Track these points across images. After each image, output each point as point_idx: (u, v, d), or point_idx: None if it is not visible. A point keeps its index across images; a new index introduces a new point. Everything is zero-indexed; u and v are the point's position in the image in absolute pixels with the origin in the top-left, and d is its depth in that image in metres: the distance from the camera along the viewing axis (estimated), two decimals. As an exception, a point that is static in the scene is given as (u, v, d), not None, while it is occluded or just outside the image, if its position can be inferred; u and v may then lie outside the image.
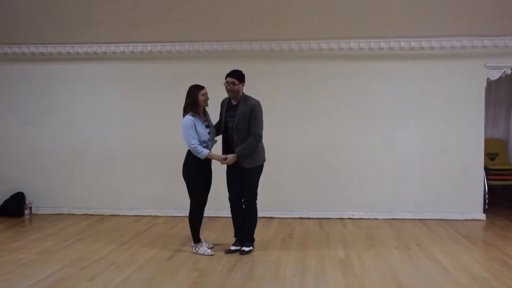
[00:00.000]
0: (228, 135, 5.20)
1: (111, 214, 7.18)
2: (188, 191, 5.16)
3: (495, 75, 6.67)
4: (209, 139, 5.12)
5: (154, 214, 7.09)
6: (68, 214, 7.25)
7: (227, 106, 5.22)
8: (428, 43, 6.60)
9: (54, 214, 7.27)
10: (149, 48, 6.98)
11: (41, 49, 7.14)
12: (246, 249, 5.16)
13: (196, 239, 5.20)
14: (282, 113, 6.91)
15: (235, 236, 5.38)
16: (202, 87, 5.08)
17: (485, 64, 6.65)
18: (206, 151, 4.99)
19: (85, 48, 7.08)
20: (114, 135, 7.22)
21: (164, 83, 7.07)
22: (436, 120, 6.77)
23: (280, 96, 6.91)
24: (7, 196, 7.27)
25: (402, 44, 6.64)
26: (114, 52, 7.07)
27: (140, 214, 7.12)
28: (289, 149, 6.94)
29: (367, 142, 6.85)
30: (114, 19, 6.78)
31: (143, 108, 7.12)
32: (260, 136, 5.13)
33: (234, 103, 5.17)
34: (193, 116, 5.01)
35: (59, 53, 7.15)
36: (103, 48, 7.07)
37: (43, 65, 7.27)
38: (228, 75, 5.10)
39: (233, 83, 5.06)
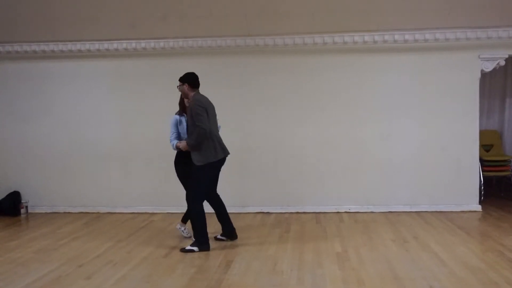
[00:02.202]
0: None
1: (107, 212, 7.16)
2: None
3: (489, 67, 6.68)
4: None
5: (150, 211, 7.08)
6: (64, 212, 7.23)
7: None
8: (422, 35, 6.59)
9: (50, 212, 7.25)
10: (143, 45, 6.95)
11: (34, 47, 7.09)
12: (187, 248, 5.07)
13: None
14: (277, 108, 6.92)
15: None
16: None
17: (479, 56, 6.65)
18: (173, 141, 5.30)
19: (79, 46, 7.03)
20: (110, 133, 7.19)
21: (159, 80, 7.04)
22: (431, 113, 6.78)
23: (275, 91, 6.91)
24: (3, 195, 7.25)
25: (396, 37, 6.63)
26: (107, 50, 7.03)
27: (136, 211, 7.11)
28: (285, 144, 6.94)
29: (362, 135, 6.86)
30: (107, 17, 6.74)
31: (138, 105, 7.09)
32: (204, 128, 4.81)
33: (187, 105, 5.11)
34: (179, 114, 5.32)
35: (52, 51, 7.10)
36: (97, 46, 7.02)
37: (37, 64, 7.23)
38: None
39: (179, 85, 5.14)
